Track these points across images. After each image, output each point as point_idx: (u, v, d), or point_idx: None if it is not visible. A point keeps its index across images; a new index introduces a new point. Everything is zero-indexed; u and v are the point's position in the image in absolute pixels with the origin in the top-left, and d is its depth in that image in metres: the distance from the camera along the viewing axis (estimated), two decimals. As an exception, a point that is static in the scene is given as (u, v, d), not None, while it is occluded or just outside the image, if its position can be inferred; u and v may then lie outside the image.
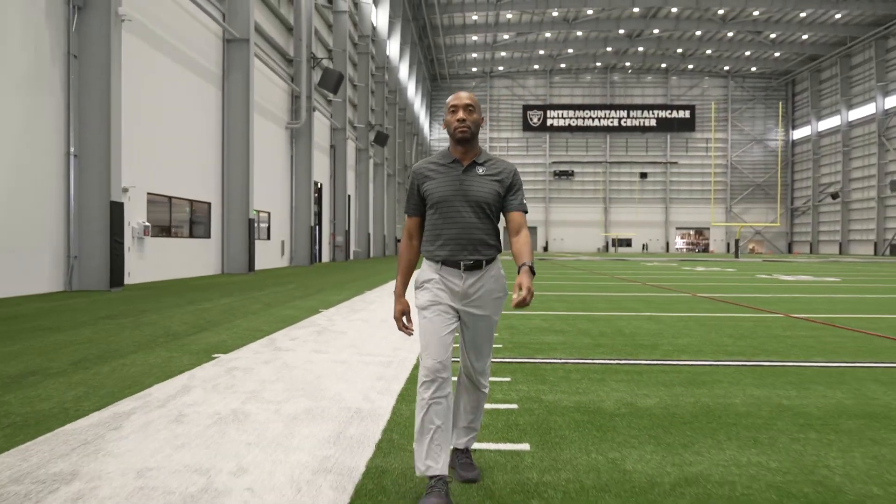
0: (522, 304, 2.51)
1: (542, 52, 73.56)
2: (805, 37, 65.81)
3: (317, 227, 32.22)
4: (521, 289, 2.56)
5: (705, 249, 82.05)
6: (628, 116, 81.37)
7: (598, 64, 78.70)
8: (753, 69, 77.43)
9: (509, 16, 62.22)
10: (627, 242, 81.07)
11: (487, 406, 4.06)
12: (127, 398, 4.29)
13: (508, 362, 5.64)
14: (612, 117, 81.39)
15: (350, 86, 38.35)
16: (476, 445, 3.28)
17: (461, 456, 2.94)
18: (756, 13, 60.21)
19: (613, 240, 79.59)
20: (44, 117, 12.66)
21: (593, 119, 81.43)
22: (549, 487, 2.76)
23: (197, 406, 4.09)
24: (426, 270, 2.86)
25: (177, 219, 18.29)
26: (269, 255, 25.81)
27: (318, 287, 14.98)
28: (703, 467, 3.01)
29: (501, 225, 2.80)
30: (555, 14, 61.93)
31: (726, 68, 77.84)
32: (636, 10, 60.51)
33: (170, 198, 17.71)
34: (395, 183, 52.41)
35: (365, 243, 41.76)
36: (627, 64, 78.23)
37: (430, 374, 2.66)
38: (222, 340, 6.83)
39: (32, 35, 12.34)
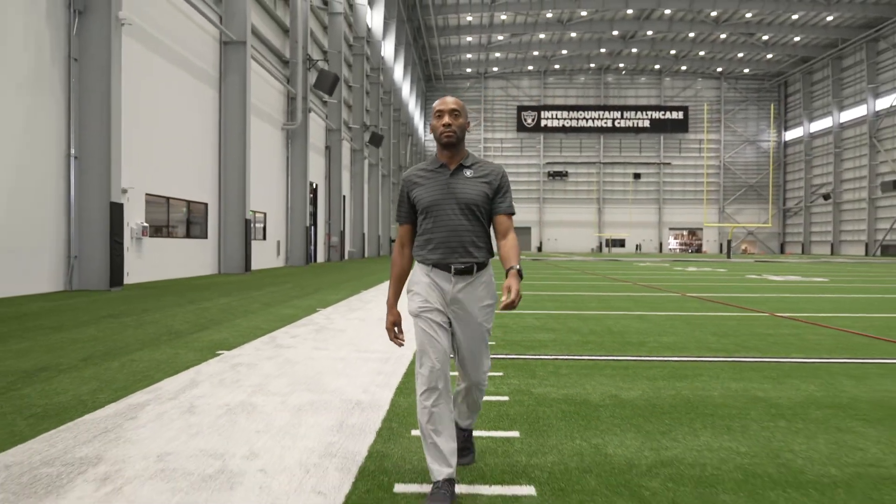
0: (510, 306, 2.56)
1: (536, 53, 73.90)
2: (797, 39, 66.34)
3: (312, 228, 32.46)
4: (509, 291, 2.59)
5: (698, 250, 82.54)
6: (622, 117, 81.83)
7: (592, 65, 79.13)
8: (746, 71, 77.99)
9: (503, 17, 62.56)
10: (621, 243, 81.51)
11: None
12: (139, 391, 4.53)
13: (501, 358, 5.89)
14: (606, 118, 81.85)
15: (345, 87, 38.57)
16: (469, 433, 3.51)
17: (464, 440, 3.04)
18: (749, 15, 60.68)
19: (607, 240, 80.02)
20: (45, 119, 12.87)
21: (587, 120, 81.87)
22: (536, 469, 3.02)
23: (206, 398, 4.34)
24: (417, 273, 2.88)
25: (174, 219, 18.50)
26: (265, 256, 26.03)
27: (314, 287, 15.21)
28: (678, 451, 3.28)
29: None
30: (549, 15, 62.28)
31: (719, 70, 78.37)
32: (630, 11, 60.90)
33: (167, 198, 17.92)
34: (389, 183, 52.65)
35: (360, 243, 41.98)
36: (621, 65, 78.68)
37: (430, 382, 2.70)
38: (224, 338, 7.07)
39: (33, 38, 12.54)
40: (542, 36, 68.36)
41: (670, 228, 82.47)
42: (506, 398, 4.41)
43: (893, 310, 10.70)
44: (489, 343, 2.94)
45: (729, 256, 49.11)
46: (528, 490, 2.77)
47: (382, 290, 14.30)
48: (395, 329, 2.88)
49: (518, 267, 2.71)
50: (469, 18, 62.61)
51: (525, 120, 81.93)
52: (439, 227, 2.80)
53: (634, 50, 72.36)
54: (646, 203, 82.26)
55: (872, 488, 2.80)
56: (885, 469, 3.04)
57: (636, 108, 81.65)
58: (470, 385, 2.91)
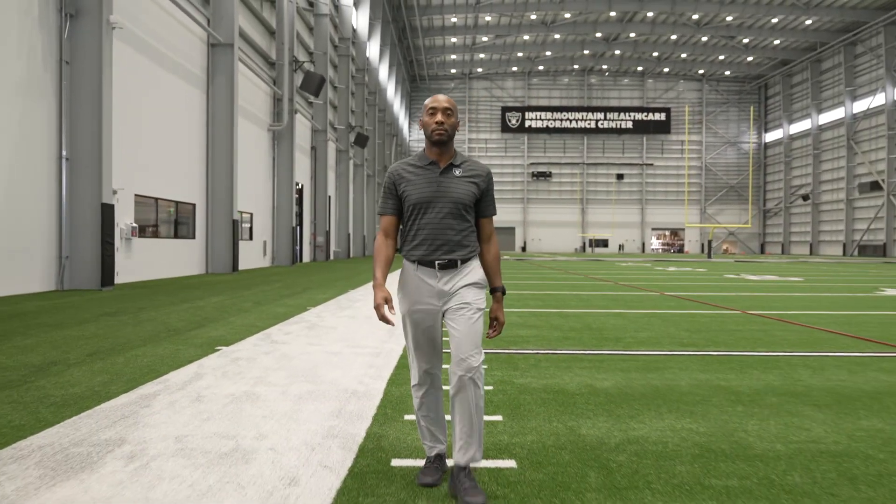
0: (496, 335, 2.91)
1: (520, 54, 74.43)
2: (777, 42, 67.35)
3: (298, 228, 32.68)
4: (496, 321, 2.93)
5: (680, 250, 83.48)
6: (605, 118, 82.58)
7: (576, 66, 79.81)
8: (727, 73, 79.03)
9: (488, 18, 63.02)
10: (604, 243, 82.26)
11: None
12: (148, 383, 4.85)
13: (485, 352, 6.25)
14: (590, 119, 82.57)
15: (331, 88, 38.80)
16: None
17: (464, 479, 2.70)
18: (729, 18, 61.57)
19: (590, 240, 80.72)
20: (37, 122, 13.08)
21: (571, 121, 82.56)
22: (516, 446, 3.39)
23: (212, 389, 4.67)
24: (405, 273, 2.94)
25: (163, 220, 18.71)
26: (252, 256, 26.25)
27: (302, 286, 15.51)
28: (644, 432, 3.66)
29: None
30: (533, 17, 62.80)
31: (701, 72, 79.35)
32: (613, 14, 61.56)
33: (156, 199, 18.14)
34: (374, 183, 52.89)
35: (345, 243, 42.23)
36: (604, 67, 79.43)
37: (420, 379, 2.92)
38: (221, 335, 7.39)
39: (26, 42, 12.75)
40: (526, 37, 68.90)
41: (653, 229, 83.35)
42: (490, 387, 4.77)
43: (858, 307, 11.19)
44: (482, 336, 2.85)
45: (710, 256, 49.85)
46: (510, 463, 3.14)
47: (370, 289, 14.63)
48: (386, 307, 2.81)
49: (502, 287, 3.01)
50: (454, 19, 63.02)
51: (509, 121, 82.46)
52: (427, 223, 2.85)
53: (617, 52, 73.10)
54: (629, 203, 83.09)
55: (810, 460, 3.20)
56: (823, 445, 3.44)
57: (619, 110, 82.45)
58: (464, 374, 2.72)
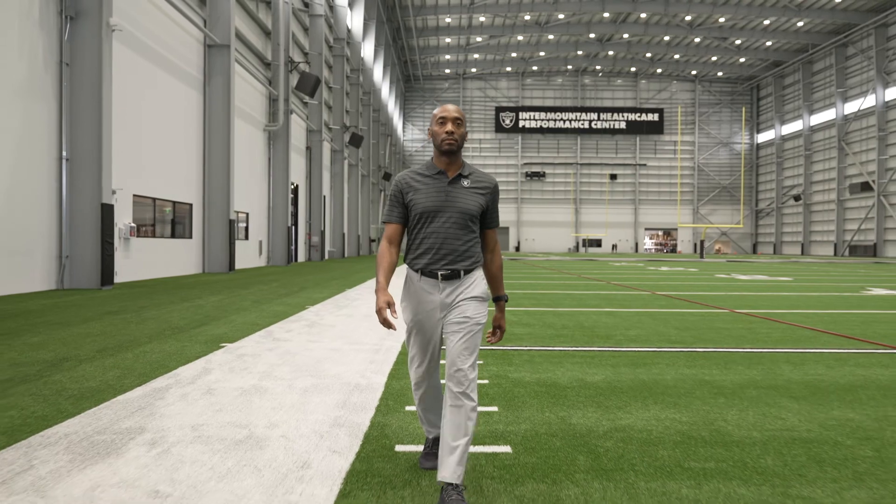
0: (496, 342, 3.02)
1: (514, 54, 74.71)
2: (769, 43, 67.86)
3: (293, 228, 32.87)
4: (497, 329, 3.04)
5: (673, 250, 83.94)
6: (598, 119, 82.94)
7: (570, 67, 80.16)
8: (720, 74, 79.51)
9: (482, 19, 63.30)
10: (597, 243, 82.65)
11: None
12: (160, 377, 5.08)
13: (481, 349, 6.50)
14: (583, 119, 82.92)
15: (325, 88, 39.00)
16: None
17: (451, 493, 2.61)
18: (722, 20, 62.04)
19: (583, 240, 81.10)
20: (37, 122, 13.26)
21: (564, 121, 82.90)
22: (511, 434, 3.64)
23: (221, 382, 4.90)
24: (409, 283, 2.95)
25: (160, 219, 18.89)
26: (248, 255, 26.44)
27: (299, 286, 15.72)
28: (631, 421, 3.92)
29: None
30: (527, 18, 63.12)
31: (694, 73, 79.81)
32: (606, 15, 61.90)
33: (154, 199, 18.32)
34: (368, 183, 53.08)
35: (339, 243, 42.41)
36: (598, 67, 79.79)
37: (419, 380, 3.02)
38: (224, 332, 7.61)
39: (27, 44, 12.93)
40: (520, 38, 69.16)
41: (646, 229, 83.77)
42: (486, 381, 5.01)
43: (843, 306, 11.48)
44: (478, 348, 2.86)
45: (702, 256, 50.23)
46: (505, 448, 3.38)
47: (366, 288, 14.85)
48: (388, 311, 2.77)
49: (506, 296, 3.08)
50: (448, 20, 63.27)
51: (503, 121, 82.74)
52: (433, 233, 2.86)
53: (611, 52, 73.45)
54: (622, 203, 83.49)
55: (783, 446, 3.45)
56: (797, 433, 3.70)
57: (612, 110, 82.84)
58: (456, 391, 2.72)
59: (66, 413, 4.01)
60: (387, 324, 2.75)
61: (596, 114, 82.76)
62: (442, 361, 3.59)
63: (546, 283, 17.80)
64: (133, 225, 16.72)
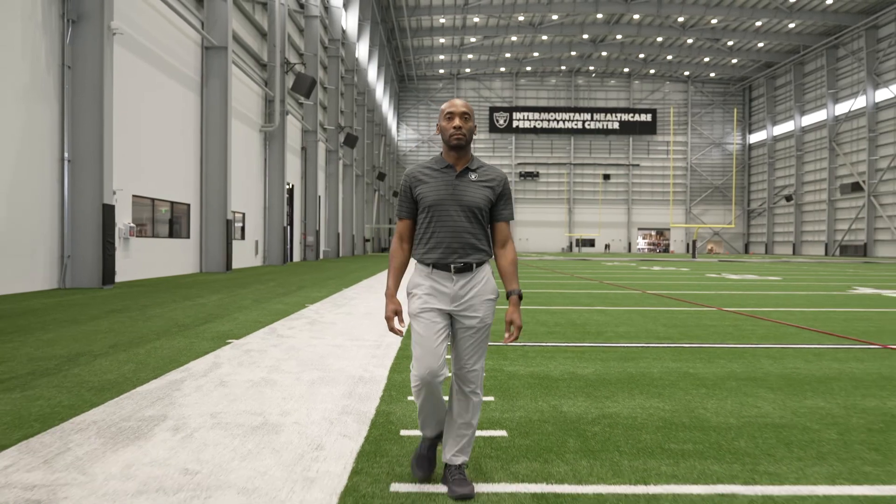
0: (514, 340, 2.87)
1: (508, 55, 75.07)
2: (761, 45, 68.42)
3: (289, 228, 33.10)
4: (511, 326, 2.90)
5: (666, 250, 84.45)
6: (592, 119, 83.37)
7: (563, 67, 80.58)
8: (712, 75, 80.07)
9: (476, 19, 63.61)
10: (591, 242, 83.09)
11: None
12: (173, 371, 5.36)
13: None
14: (577, 120, 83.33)
15: (321, 89, 39.22)
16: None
17: (454, 472, 2.86)
18: (714, 21, 62.53)
19: (577, 240, 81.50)
20: (40, 124, 13.50)
21: (558, 121, 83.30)
22: (507, 420, 3.94)
23: (232, 375, 5.18)
24: (417, 275, 2.93)
25: (159, 220, 19.13)
26: (244, 255, 26.68)
27: (297, 285, 15.99)
28: (617, 409, 4.22)
29: None
30: (521, 19, 63.48)
31: (686, 73, 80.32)
32: (600, 16, 62.29)
33: (152, 200, 18.55)
34: (363, 183, 53.32)
35: (334, 243, 42.65)
36: (591, 68, 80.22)
37: (423, 380, 2.80)
38: (229, 329, 7.89)
39: (30, 47, 13.17)
40: (513, 38, 69.53)
41: (639, 228, 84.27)
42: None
43: (828, 304, 11.82)
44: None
45: (694, 256, 50.66)
46: (502, 433, 3.68)
47: (364, 287, 15.13)
48: (396, 319, 2.92)
49: (519, 291, 2.94)
50: (442, 20, 63.57)
51: (497, 121, 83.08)
52: (441, 227, 2.87)
53: (604, 53, 73.87)
54: (615, 203, 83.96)
55: (756, 430, 3.76)
56: (770, 419, 4.01)
57: (606, 111, 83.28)
58: (464, 388, 2.90)
59: (90, 403, 4.29)
60: (395, 331, 2.87)
61: (589, 114, 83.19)
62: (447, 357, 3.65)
63: (539, 282, 18.11)
64: (133, 225, 16.96)
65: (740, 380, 5.18)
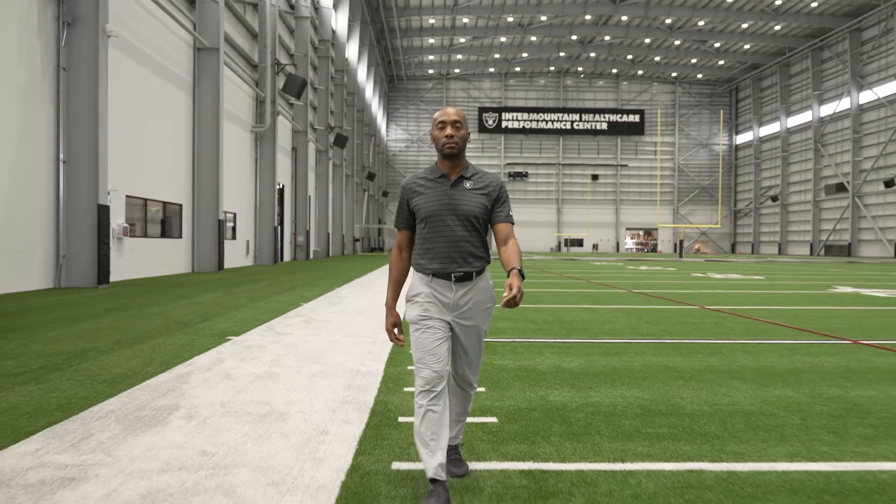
0: (512, 302, 2.62)
1: (497, 55, 75.41)
2: (747, 46, 69.07)
3: (279, 228, 33.29)
4: (511, 288, 2.64)
5: (654, 249, 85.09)
6: (580, 120, 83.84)
7: (552, 68, 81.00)
8: (699, 76, 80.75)
9: (465, 20, 63.92)
10: (579, 242, 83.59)
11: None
12: (179, 365, 5.62)
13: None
14: (565, 120, 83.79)
15: (311, 89, 39.41)
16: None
17: (451, 452, 3.06)
18: (701, 23, 63.11)
19: (565, 240, 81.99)
20: (36, 126, 13.67)
21: (547, 122, 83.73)
22: (497, 408, 4.23)
23: (236, 369, 5.45)
24: (416, 284, 2.94)
25: (151, 220, 19.31)
26: (236, 255, 26.86)
27: (290, 284, 16.23)
28: (600, 398, 4.53)
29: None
30: (510, 19, 63.86)
31: (674, 75, 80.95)
32: (588, 17, 62.74)
33: (145, 200, 18.74)
34: (353, 183, 53.52)
35: (324, 243, 42.85)
36: (580, 69, 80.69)
37: (427, 385, 2.77)
38: (228, 327, 8.14)
39: (26, 50, 13.35)
40: (502, 39, 69.89)
41: (627, 228, 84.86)
42: (473, 368, 5.60)
43: (807, 303, 12.20)
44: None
45: (681, 256, 51.19)
46: (492, 419, 3.98)
47: (355, 287, 15.39)
48: (395, 330, 2.94)
49: (519, 267, 2.78)
50: (431, 21, 63.84)
51: (486, 121, 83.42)
52: (438, 236, 2.87)
53: (592, 54, 74.32)
54: (603, 203, 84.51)
55: (727, 416, 4.08)
56: (740, 407, 4.33)
57: (594, 111, 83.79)
58: (461, 376, 3.03)
59: (104, 394, 4.55)
60: (395, 342, 2.92)
61: (578, 115, 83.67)
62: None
63: (528, 281, 18.43)
64: (126, 225, 17.14)
65: (716, 372, 5.50)
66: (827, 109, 64.04)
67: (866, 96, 58.31)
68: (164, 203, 20.11)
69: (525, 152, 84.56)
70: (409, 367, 5.57)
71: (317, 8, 41.14)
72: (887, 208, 55.33)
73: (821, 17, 59.34)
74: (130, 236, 17.75)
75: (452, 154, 2.90)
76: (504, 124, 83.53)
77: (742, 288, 16.29)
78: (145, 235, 18.85)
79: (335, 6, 45.20)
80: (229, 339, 7.11)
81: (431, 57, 75.23)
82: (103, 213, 14.70)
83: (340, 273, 21.77)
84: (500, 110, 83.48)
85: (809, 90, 66.21)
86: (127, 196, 17.57)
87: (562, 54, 74.11)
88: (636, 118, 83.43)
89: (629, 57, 75.25)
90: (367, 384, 4.94)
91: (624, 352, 6.50)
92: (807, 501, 2.76)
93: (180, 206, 21.30)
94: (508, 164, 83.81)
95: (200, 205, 22.32)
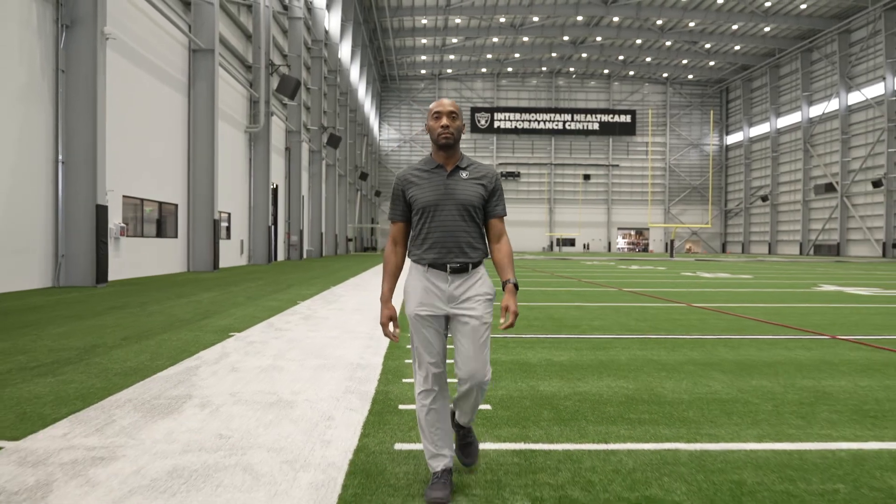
0: (510, 327, 2.84)
1: (489, 56, 75.74)
2: (737, 47, 69.65)
3: (273, 227, 33.49)
4: (507, 311, 2.84)
5: (645, 249, 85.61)
6: (572, 120, 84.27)
7: (544, 69, 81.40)
8: (690, 77, 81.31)
9: (458, 21, 64.25)
10: (571, 242, 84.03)
11: (448, 361, 5.65)
12: (187, 359, 5.88)
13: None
14: (557, 120, 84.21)
15: (304, 89, 39.62)
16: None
17: (464, 436, 3.08)
18: (692, 24, 63.61)
19: (557, 239, 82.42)
20: (35, 127, 13.88)
21: (539, 122, 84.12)
22: (491, 398, 4.52)
23: (242, 363, 5.72)
24: (413, 276, 2.95)
25: (147, 219, 19.52)
26: (230, 254, 27.07)
27: (286, 283, 16.48)
28: (587, 388, 4.82)
29: None
30: (502, 20, 64.20)
31: (665, 75, 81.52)
32: (580, 18, 63.15)
33: (142, 200, 18.94)
34: (346, 183, 53.73)
35: (318, 243, 43.06)
36: (572, 69, 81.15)
37: (426, 384, 2.88)
38: (229, 324, 8.40)
39: (26, 51, 13.56)
40: (495, 40, 70.22)
41: (619, 228, 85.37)
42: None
43: (791, 301, 12.55)
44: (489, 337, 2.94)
45: (672, 255, 51.63)
46: (486, 407, 4.26)
47: (350, 286, 15.65)
48: (391, 325, 2.91)
49: (514, 280, 2.92)
50: (424, 21, 64.12)
51: (478, 121, 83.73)
52: (436, 227, 2.87)
53: (584, 55, 74.76)
54: (595, 203, 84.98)
55: (704, 404, 4.38)
56: (717, 395, 4.64)
57: (586, 111, 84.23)
58: (472, 385, 2.86)
59: (119, 385, 4.81)
60: (389, 336, 2.89)
61: (570, 115, 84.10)
62: (448, 360, 3.86)
63: (520, 280, 18.73)
64: (123, 225, 17.35)
65: (698, 364, 5.80)
66: (816, 110, 64.67)
67: (854, 97, 58.92)
68: (161, 203, 20.32)
69: (517, 152, 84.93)
70: (407, 361, 5.84)
71: (310, 8, 41.35)
72: (875, 208, 55.94)
73: (810, 18, 59.94)
74: (127, 236, 17.96)
75: (448, 144, 2.91)
76: (496, 124, 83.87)
77: (729, 287, 16.63)
78: (142, 235, 19.05)
79: (328, 6, 45.41)
80: (232, 336, 7.37)
81: (424, 57, 75.49)
82: (102, 213, 14.91)
83: (334, 272, 22.02)
84: (492, 110, 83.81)
85: (799, 91, 66.82)
86: (124, 196, 17.78)
87: (554, 55, 74.52)
88: (627, 118, 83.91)
89: (621, 57, 75.72)
90: (368, 376, 5.22)
91: (611, 346, 6.80)
92: (770, 474, 3.06)
93: (176, 206, 21.50)
94: (501, 163, 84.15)
95: (196, 205, 22.53)
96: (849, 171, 59.42)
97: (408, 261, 3.05)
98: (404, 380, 5.07)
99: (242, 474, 2.99)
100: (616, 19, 63.55)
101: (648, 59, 75.69)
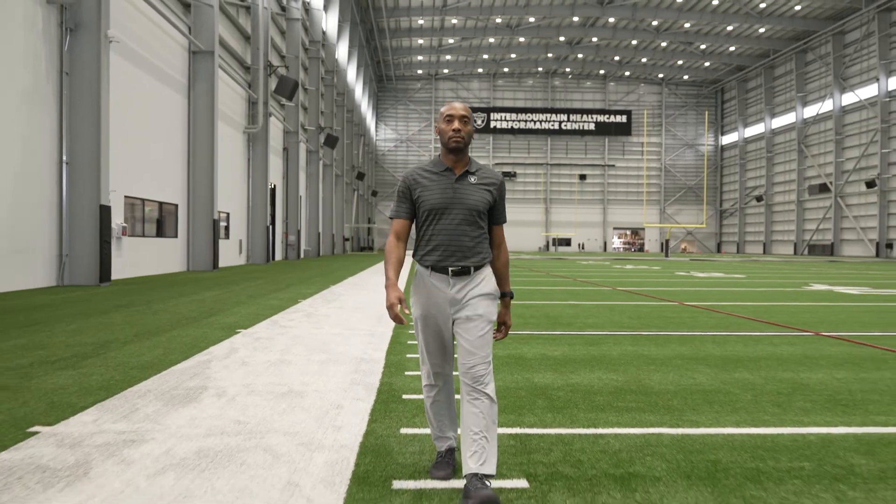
0: (502, 338, 3.09)
1: (485, 56, 76.07)
2: (732, 48, 70.12)
3: (271, 227, 33.75)
4: (503, 326, 3.07)
5: (640, 249, 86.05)
6: (568, 120, 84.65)
7: (540, 69, 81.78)
8: (686, 77, 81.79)
9: (454, 21, 64.57)
10: (567, 242, 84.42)
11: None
12: (198, 354, 6.16)
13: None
14: (553, 120, 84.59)
15: (301, 90, 39.89)
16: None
17: (475, 482, 2.65)
18: (687, 25, 64.05)
19: (553, 239, 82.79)
20: (40, 129, 14.13)
21: (535, 122, 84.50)
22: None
23: (251, 357, 6.00)
24: (419, 276, 2.98)
25: (148, 219, 19.77)
26: (229, 254, 27.32)
27: (285, 282, 16.75)
28: (579, 380, 5.12)
29: None
30: (498, 21, 64.54)
31: (660, 76, 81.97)
32: (576, 19, 63.53)
33: (143, 200, 19.20)
34: (343, 183, 54.00)
35: (315, 242, 43.32)
36: (567, 69, 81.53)
37: (431, 380, 3.05)
38: (235, 321, 8.68)
39: (31, 54, 13.81)
40: (491, 40, 70.55)
41: (614, 228, 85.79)
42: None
43: (781, 299, 12.87)
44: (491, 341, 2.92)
45: (667, 255, 52.01)
46: (484, 396, 4.55)
47: (349, 285, 15.92)
48: (399, 306, 2.83)
49: (511, 293, 3.14)
50: (420, 22, 64.40)
51: (475, 121, 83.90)
52: (442, 230, 2.90)
53: (580, 55, 75.13)
54: (591, 203, 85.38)
55: (689, 394, 4.68)
56: (700, 386, 4.94)
57: (582, 112, 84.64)
58: (474, 388, 2.78)
59: (137, 378, 5.09)
60: (398, 319, 2.79)
61: (566, 115, 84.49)
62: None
63: (516, 279, 19.02)
64: (125, 225, 17.60)
65: (685, 359, 6.10)
66: (810, 111, 65.17)
67: (848, 98, 59.38)
68: (161, 203, 20.57)
69: (513, 152, 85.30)
70: (409, 355, 6.13)
71: (307, 9, 41.61)
72: (868, 208, 56.43)
73: (804, 20, 60.40)
74: (128, 236, 18.21)
75: (458, 148, 2.92)
76: (493, 124, 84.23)
77: (722, 286, 16.96)
78: (143, 235, 19.30)
79: (325, 7, 45.66)
80: (239, 332, 7.65)
81: (420, 57, 75.78)
82: (105, 213, 15.17)
83: (333, 272, 22.29)
84: (488, 110, 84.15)
85: (793, 92, 67.32)
86: (125, 196, 18.03)
87: (550, 55, 74.89)
88: (623, 119, 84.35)
89: (616, 58, 76.12)
90: (372, 369, 5.50)
91: (604, 342, 7.10)
92: (743, 454, 3.36)
93: (176, 206, 21.76)
94: (497, 163, 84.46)
95: (195, 205, 22.78)
96: (843, 172, 59.89)
97: (409, 260, 3.28)
98: (406, 372, 5.36)
99: (263, 454, 3.27)
100: (612, 20, 63.95)
101: (644, 60, 76.11)
